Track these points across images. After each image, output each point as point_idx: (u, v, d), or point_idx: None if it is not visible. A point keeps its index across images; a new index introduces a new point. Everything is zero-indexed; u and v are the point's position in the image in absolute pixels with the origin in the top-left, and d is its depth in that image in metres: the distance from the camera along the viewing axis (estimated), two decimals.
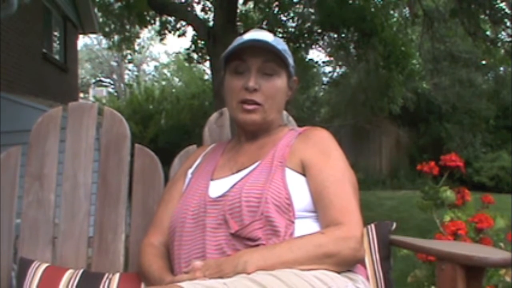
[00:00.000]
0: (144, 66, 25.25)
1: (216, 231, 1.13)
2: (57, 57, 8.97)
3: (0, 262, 1.46)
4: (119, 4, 8.59)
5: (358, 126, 11.80)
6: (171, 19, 9.36)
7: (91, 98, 20.97)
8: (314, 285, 0.99)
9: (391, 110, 10.41)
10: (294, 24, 9.82)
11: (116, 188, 1.50)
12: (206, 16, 9.28)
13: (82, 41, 23.71)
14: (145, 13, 8.47)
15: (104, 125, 1.55)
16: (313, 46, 10.91)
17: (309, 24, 9.62)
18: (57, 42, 9.16)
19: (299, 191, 1.16)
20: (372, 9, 8.44)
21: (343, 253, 1.06)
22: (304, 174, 1.19)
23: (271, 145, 1.26)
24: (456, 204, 2.01)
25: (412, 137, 12.11)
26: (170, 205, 1.30)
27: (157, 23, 9.53)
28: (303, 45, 9.70)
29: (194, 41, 9.42)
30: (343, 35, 9.29)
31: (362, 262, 1.20)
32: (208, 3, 9.26)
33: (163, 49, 37.30)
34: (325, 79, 13.83)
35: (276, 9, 9.28)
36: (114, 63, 23.36)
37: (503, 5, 7.56)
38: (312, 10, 9.53)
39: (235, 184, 1.18)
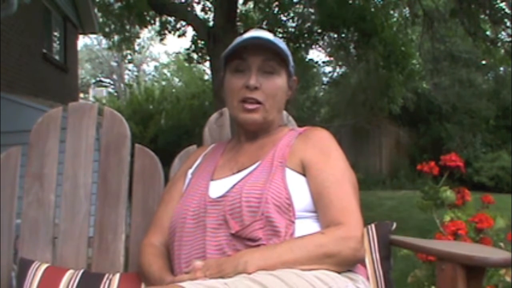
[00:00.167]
0: (144, 66, 25.29)
1: (217, 231, 1.13)
2: (57, 57, 8.97)
3: (0, 262, 1.46)
4: (119, 4, 8.59)
5: (358, 126, 11.80)
6: (171, 19, 9.36)
7: (91, 98, 20.98)
8: (315, 285, 0.99)
9: (391, 110, 10.41)
10: (294, 24, 9.83)
11: (116, 188, 1.50)
12: (206, 16, 9.28)
13: (82, 41, 23.75)
14: (145, 13, 8.47)
15: (104, 125, 1.55)
16: (313, 46, 10.92)
17: (309, 24, 9.62)
18: (57, 42, 9.16)
19: (299, 191, 1.16)
20: (372, 9, 8.45)
21: (344, 253, 1.06)
22: (304, 174, 1.19)
23: (271, 145, 1.26)
24: (456, 204, 2.01)
25: (412, 137, 12.12)
26: (170, 205, 1.30)
27: (157, 23, 9.53)
28: (303, 45, 9.70)
29: (194, 41, 9.42)
30: (343, 35, 9.29)
31: (362, 262, 1.20)
32: (208, 3, 9.26)
33: (163, 49, 37.39)
34: (325, 79, 13.85)
35: (276, 9, 9.29)
36: (114, 63, 23.37)
37: (503, 5, 7.56)
38: (312, 10, 9.53)
39: (235, 184, 1.18)
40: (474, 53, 10.43)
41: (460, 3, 7.35)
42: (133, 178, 1.52)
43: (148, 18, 8.91)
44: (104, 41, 17.98)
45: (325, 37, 10.22)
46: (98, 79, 24.03)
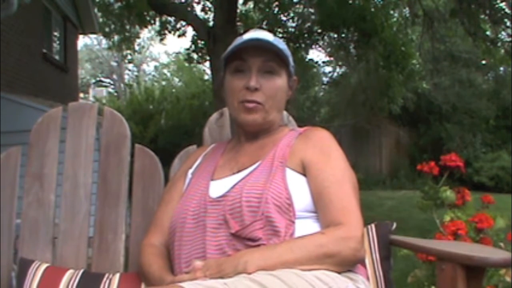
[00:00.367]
0: (144, 66, 25.29)
1: (217, 231, 1.13)
2: (57, 57, 8.97)
3: (0, 262, 1.46)
4: (119, 4, 8.59)
5: (358, 126, 11.80)
6: (171, 19, 9.35)
7: (91, 98, 20.98)
8: (315, 285, 0.99)
9: (391, 110, 10.42)
10: (294, 24, 9.83)
11: (116, 188, 1.50)
12: (206, 16, 9.28)
13: (82, 41, 23.75)
14: (145, 13, 8.47)
15: (104, 125, 1.55)
16: (313, 46, 10.92)
17: (309, 24, 9.62)
18: (57, 42, 9.15)
19: (299, 191, 1.16)
20: (372, 9, 8.44)
21: (344, 253, 1.06)
22: (304, 174, 1.19)
23: (272, 145, 1.26)
24: (456, 204, 2.01)
25: (412, 137, 12.12)
26: (170, 205, 1.30)
27: (157, 23, 9.53)
28: (303, 45, 9.71)
29: (194, 41, 9.42)
30: (343, 35, 9.29)
31: (362, 262, 1.20)
32: (208, 3, 9.26)
33: (163, 49, 37.39)
34: (325, 79, 13.85)
35: (276, 9, 9.28)
36: (114, 63, 23.36)
37: (503, 5, 7.56)
38: (312, 10, 9.53)
39: (235, 184, 1.18)
40: (474, 53, 10.43)
41: (460, 3, 7.34)
42: (133, 178, 1.52)
43: (148, 18, 8.91)
44: (104, 41, 18.01)
45: (325, 37, 10.22)
46: (98, 79, 24.04)
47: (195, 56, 9.95)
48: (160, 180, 1.52)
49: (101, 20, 9.71)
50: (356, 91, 11.56)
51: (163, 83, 20.86)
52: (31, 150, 1.51)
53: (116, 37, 10.13)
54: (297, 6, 9.82)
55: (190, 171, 1.35)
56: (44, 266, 1.37)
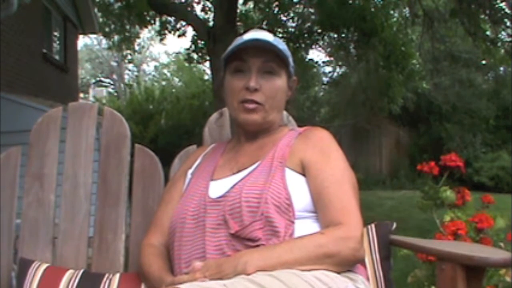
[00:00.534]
0: (144, 66, 25.29)
1: (216, 232, 1.13)
2: (57, 57, 8.97)
3: (0, 262, 1.46)
4: (119, 4, 8.59)
5: (358, 126, 11.80)
6: (171, 19, 9.36)
7: (91, 98, 20.98)
8: (314, 285, 0.99)
9: (391, 110, 10.41)
10: (294, 24, 9.83)
11: (116, 188, 1.50)
12: (206, 16, 9.28)
13: (82, 41, 23.73)
14: (145, 13, 8.47)
15: (104, 125, 1.55)
16: (313, 46, 10.92)
17: (309, 24, 9.62)
18: (57, 42, 9.15)
19: (299, 191, 1.16)
20: (372, 9, 8.44)
21: (343, 253, 1.06)
22: (304, 174, 1.19)
23: (271, 145, 1.26)
24: (456, 204, 2.01)
25: (412, 137, 12.12)
26: (170, 205, 1.30)
27: (157, 23, 9.53)
28: (303, 45, 9.71)
29: (194, 41, 9.42)
30: (343, 35, 9.29)
31: (362, 262, 1.20)
32: (208, 3, 9.27)
33: (163, 49, 37.37)
34: (325, 79, 13.85)
35: (276, 9, 9.29)
36: (114, 63, 23.36)
37: (503, 5, 7.56)
38: (312, 10, 9.53)
39: (235, 185, 1.18)
40: (474, 53, 10.43)
41: (460, 3, 7.35)
42: (133, 178, 1.52)
43: (148, 18, 8.92)
44: (104, 41, 18.00)
45: (325, 37, 10.22)
46: (98, 79, 24.03)
47: (195, 56, 9.96)
48: (160, 180, 1.52)
49: (101, 20, 9.71)
50: (356, 91, 11.56)
51: (163, 83, 20.86)
52: (31, 150, 1.51)
53: (116, 37, 10.14)
54: (297, 6, 9.83)
55: (190, 171, 1.35)
56: (44, 266, 1.37)
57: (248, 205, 1.11)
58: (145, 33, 18.61)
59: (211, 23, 7.92)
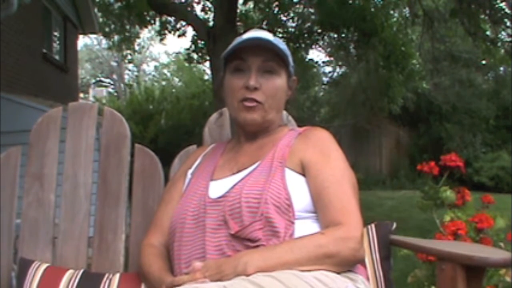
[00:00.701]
0: (144, 66, 25.29)
1: (216, 232, 1.13)
2: (57, 57, 8.97)
3: (0, 262, 1.46)
4: (119, 4, 8.59)
5: (358, 126, 11.80)
6: (171, 19, 9.36)
7: (91, 98, 20.98)
8: (314, 286, 0.99)
9: (391, 110, 10.41)
10: (294, 24, 9.83)
11: (116, 188, 1.50)
12: (206, 16, 9.28)
13: (82, 41, 23.74)
14: (145, 13, 8.48)
15: (104, 125, 1.55)
16: (313, 46, 10.93)
17: (309, 24, 9.63)
18: (57, 42, 9.15)
19: (299, 191, 1.16)
20: (372, 9, 8.45)
21: (343, 254, 1.06)
22: (303, 174, 1.19)
23: (271, 145, 1.26)
24: (456, 204, 2.01)
25: (412, 137, 12.12)
26: (170, 205, 1.30)
27: (157, 23, 9.54)
28: (303, 45, 9.71)
29: (194, 41, 9.42)
30: (343, 35, 9.29)
31: (362, 262, 1.20)
32: (208, 3, 9.27)
33: (163, 49, 37.39)
34: (325, 79, 13.84)
35: (276, 9, 9.29)
36: (114, 63, 23.36)
37: (503, 5, 7.56)
38: (312, 10, 9.53)
39: (235, 185, 1.18)
40: (474, 53, 10.43)
41: (460, 3, 7.34)
42: (133, 178, 1.52)
43: (148, 18, 8.92)
44: (104, 41, 18.00)
45: (325, 37, 10.23)
46: (98, 79, 24.03)
47: (195, 56, 9.96)
48: (160, 180, 1.52)
49: (101, 20, 9.71)
50: (356, 91, 11.56)
51: (163, 83, 20.87)
52: (31, 150, 1.51)
53: (116, 37, 10.15)
54: (297, 6, 9.83)
55: (190, 171, 1.35)
56: (44, 266, 1.37)
57: (248, 206, 1.11)
58: (145, 33, 18.63)
59: (211, 23, 7.93)
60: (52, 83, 8.37)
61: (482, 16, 7.80)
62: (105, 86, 23.79)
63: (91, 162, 1.53)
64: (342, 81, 12.80)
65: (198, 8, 9.41)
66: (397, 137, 12.22)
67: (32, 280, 1.33)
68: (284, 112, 1.48)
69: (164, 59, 25.47)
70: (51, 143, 1.52)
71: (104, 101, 17.87)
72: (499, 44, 8.07)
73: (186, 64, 13.88)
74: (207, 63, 10.72)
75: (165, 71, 24.29)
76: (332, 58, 12.92)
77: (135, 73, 24.56)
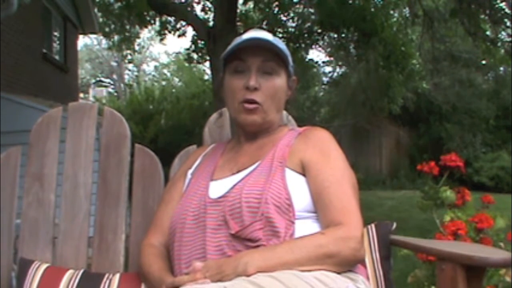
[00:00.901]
0: (144, 66, 25.30)
1: (217, 232, 1.13)
2: (57, 57, 8.97)
3: (0, 262, 1.46)
4: (119, 4, 8.59)
5: (358, 126, 11.80)
6: (171, 19, 9.36)
7: (91, 98, 20.97)
8: (314, 286, 0.99)
9: (391, 110, 10.41)
10: (294, 24, 9.83)
11: (116, 188, 1.50)
12: (206, 16, 9.28)
13: (82, 41, 23.75)
14: (145, 13, 8.48)
15: (104, 125, 1.55)
16: (313, 46, 10.92)
17: (309, 24, 9.62)
18: (57, 42, 9.15)
19: (299, 191, 1.16)
20: (372, 9, 8.45)
21: (344, 253, 1.06)
22: (304, 174, 1.19)
23: (271, 145, 1.26)
24: (456, 204, 2.01)
25: (412, 137, 12.12)
26: (170, 205, 1.30)
27: (157, 23, 9.54)
28: (303, 45, 9.71)
29: (194, 41, 9.43)
30: (343, 35, 9.29)
31: (362, 262, 1.20)
32: (208, 3, 9.27)
33: (163, 49, 37.40)
34: (325, 79, 13.84)
35: (276, 9, 9.29)
36: (114, 63, 23.37)
37: (503, 5, 7.56)
38: (312, 10, 9.53)
39: (235, 185, 1.18)
40: (474, 53, 10.43)
41: (460, 3, 7.34)
42: (133, 178, 1.52)
43: (148, 18, 8.93)
44: (104, 41, 17.98)
45: (325, 37, 10.22)
46: (98, 79, 24.03)
47: (195, 56, 9.97)
48: (160, 180, 1.52)
49: (101, 20, 9.71)
50: (356, 91, 11.56)
51: (163, 83, 20.86)
52: (31, 150, 1.51)
53: (116, 37, 10.14)
54: (297, 6, 9.82)
55: (190, 171, 1.35)
56: (44, 266, 1.37)
57: (248, 206, 1.11)
58: (145, 33, 18.64)
59: (211, 23, 7.93)
60: (52, 83, 8.37)
61: (482, 16, 7.79)
62: (105, 86, 23.79)
63: (91, 162, 1.53)
64: (342, 81, 12.80)
65: (198, 8, 9.42)
66: (397, 137, 12.22)
67: (32, 280, 1.33)
68: (284, 112, 1.48)
69: (164, 59, 25.50)
70: (51, 143, 1.52)
71: (104, 101, 17.87)
72: (499, 44, 8.06)
73: (186, 64, 13.88)
74: (207, 63, 10.72)
75: (165, 71, 24.30)
76: (332, 58, 12.92)
77: (135, 73, 24.57)
